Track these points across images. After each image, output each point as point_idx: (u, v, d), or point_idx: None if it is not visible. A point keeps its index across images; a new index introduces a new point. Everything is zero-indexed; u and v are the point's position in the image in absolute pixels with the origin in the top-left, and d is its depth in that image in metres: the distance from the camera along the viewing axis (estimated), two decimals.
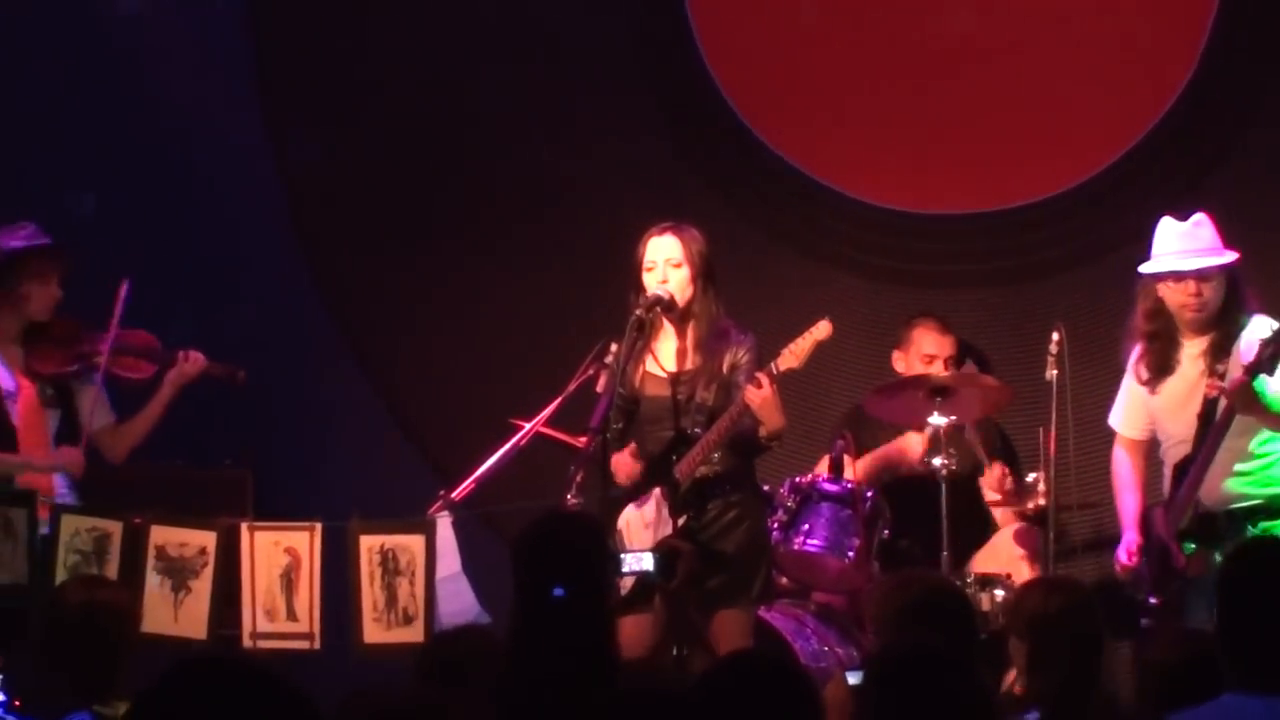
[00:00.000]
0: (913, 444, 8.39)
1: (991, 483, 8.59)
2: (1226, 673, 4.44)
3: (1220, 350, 7.30)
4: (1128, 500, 7.56)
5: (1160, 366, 7.42)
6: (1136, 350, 7.52)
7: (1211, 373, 7.30)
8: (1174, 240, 7.41)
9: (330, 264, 9.75)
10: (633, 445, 7.37)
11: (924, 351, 8.53)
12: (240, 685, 3.22)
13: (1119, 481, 7.63)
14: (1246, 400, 7.08)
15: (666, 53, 9.47)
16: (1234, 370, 7.23)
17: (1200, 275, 7.34)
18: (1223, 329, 7.30)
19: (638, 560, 6.99)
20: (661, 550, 7.08)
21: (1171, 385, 7.42)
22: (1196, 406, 7.32)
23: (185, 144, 9.55)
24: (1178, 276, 7.35)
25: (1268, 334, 7.13)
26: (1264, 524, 7.18)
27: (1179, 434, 7.38)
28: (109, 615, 5.95)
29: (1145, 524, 7.48)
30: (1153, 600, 7.31)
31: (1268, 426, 7.23)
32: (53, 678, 5.66)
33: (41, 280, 7.91)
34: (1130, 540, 7.45)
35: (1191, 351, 7.38)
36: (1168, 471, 7.48)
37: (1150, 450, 7.65)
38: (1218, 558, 7.09)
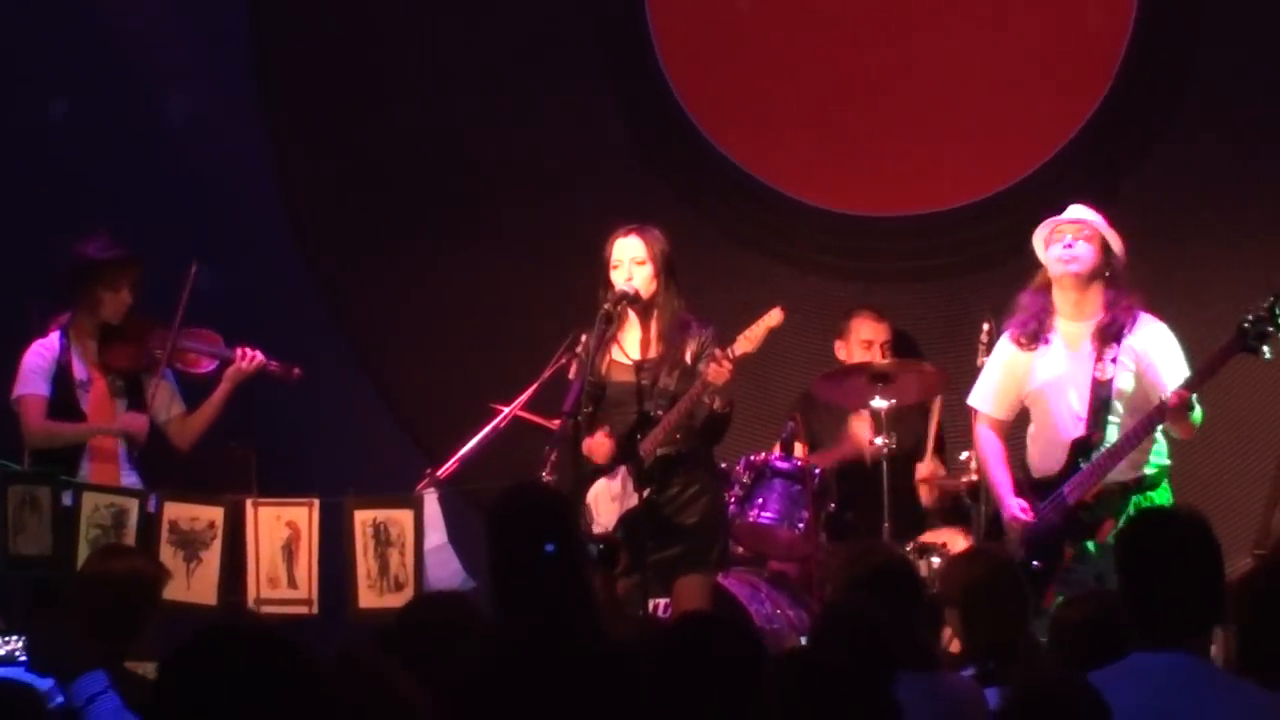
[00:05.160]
0: (860, 432, 8.52)
1: (924, 471, 8.77)
2: (1132, 632, 4.52)
3: (1109, 336, 7.49)
4: (1002, 472, 7.67)
5: (1033, 334, 7.58)
6: (1012, 321, 7.67)
7: (1100, 358, 7.48)
8: (1064, 213, 7.64)
9: (327, 266, 9.90)
10: (605, 428, 7.62)
11: (862, 338, 8.73)
12: (255, 651, 3.27)
13: (991, 456, 7.73)
14: (1180, 413, 7.28)
15: (633, 75, 9.69)
16: (1128, 362, 7.45)
17: (1076, 225, 7.50)
18: (1110, 315, 7.50)
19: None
20: (604, 542, 7.34)
21: (1054, 360, 7.58)
22: (1086, 387, 7.52)
23: (187, 144, 9.73)
24: (1056, 225, 7.54)
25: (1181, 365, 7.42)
26: (1138, 495, 7.47)
27: (1068, 411, 7.54)
28: (128, 583, 6.08)
29: (1020, 492, 7.62)
30: (1035, 564, 7.40)
31: (1177, 429, 7.44)
32: (73, 640, 5.54)
33: (113, 287, 8.16)
34: (1020, 502, 7.57)
35: (1074, 331, 7.57)
36: (1045, 449, 7.64)
37: (1009, 429, 7.80)
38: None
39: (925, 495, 8.77)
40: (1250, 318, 7.30)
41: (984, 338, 8.14)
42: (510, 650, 4.65)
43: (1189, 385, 7.32)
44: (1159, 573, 4.51)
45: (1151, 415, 7.39)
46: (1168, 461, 7.63)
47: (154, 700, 3.32)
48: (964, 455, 8.51)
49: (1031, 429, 7.81)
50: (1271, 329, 7.25)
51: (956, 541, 8.41)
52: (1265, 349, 7.30)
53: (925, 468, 8.75)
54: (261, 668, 3.28)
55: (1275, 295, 7.32)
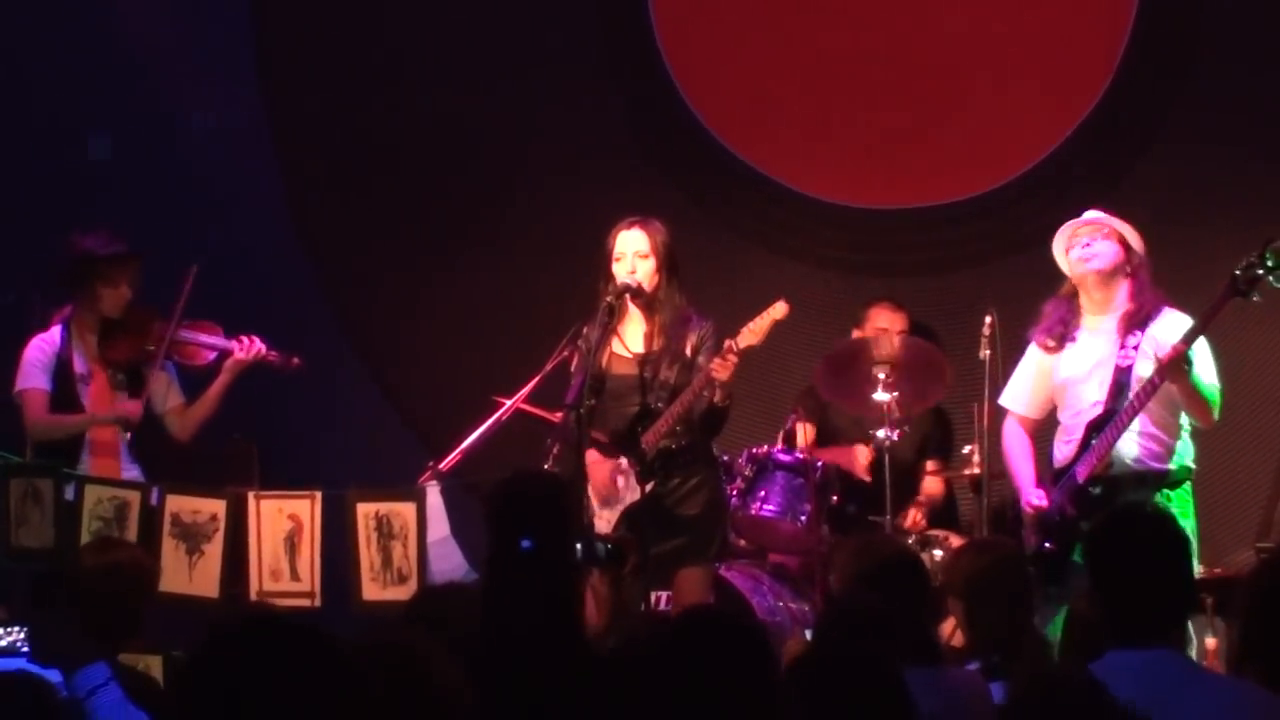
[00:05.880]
0: (860, 457, 8.54)
1: (929, 468, 8.85)
2: (1107, 630, 4.55)
3: (1133, 324, 7.56)
4: (1025, 466, 7.79)
5: (1059, 336, 7.68)
6: (1039, 324, 7.77)
7: (1123, 345, 7.54)
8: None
9: (330, 260, 9.95)
10: (614, 462, 7.63)
11: (877, 326, 8.73)
12: (282, 639, 3.22)
13: (1016, 451, 7.84)
14: (1176, 368, 7.27)
15: (635, 67, 9.75)
16: (1149, 350, 7.46)
17: (1092, 225, 7.61)
18: (1137, 305, 7.58)
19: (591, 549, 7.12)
20: (613, 541, 7.24)
21: (1079, 354, 7.65)
22: (1108, 373, 7.56)
23: (190, 142, 9.82)
24: (1074, 229, 7.64)
25: (1189, 321, 7.43)
26: (1158, 491, 7.48)
27: (1089, 398, 7.59)
28: (123, 575, 6.15)
29: (1042, 484, 7.68)
30: (1047, 545, 7.51)
31: (1185, 400, 7.47)
32: (75, 632, 5.64)
33: (112, 283, 8.22)
34: (1038, 491, 7.65)
35: (1097, 326, 7.65)
36: (1067, 440, 7.67)
37: (1040, 429, 7.91)
38: None
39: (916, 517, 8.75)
40: (1242, 264, 7.32)
41: (986, 330, 8.16)
42: (486, 653, 4.84)
43: (1185, 340, 7.33)
44: (1127, 570, 4.56)
45: (1151, 378, 7.40)
46: (1192, 465, 7.63)
47: (190, 694, 3.28)
48: (967, 449, 8.52)
49: (1059, 422, 7.85)
50: (1261, 273, 7.27)
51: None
52: (1255, 294, 7.32)
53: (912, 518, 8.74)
54: (289, 655, 3.23)
55: (1267, 241, 7.33)
